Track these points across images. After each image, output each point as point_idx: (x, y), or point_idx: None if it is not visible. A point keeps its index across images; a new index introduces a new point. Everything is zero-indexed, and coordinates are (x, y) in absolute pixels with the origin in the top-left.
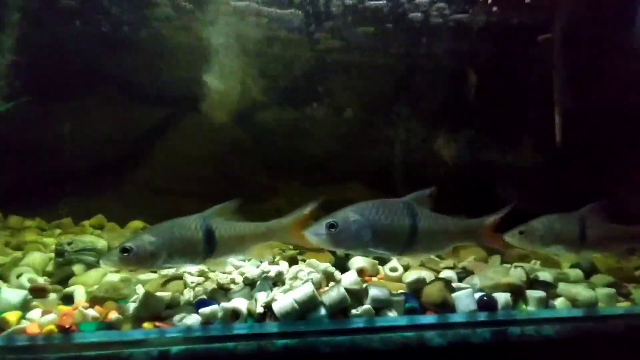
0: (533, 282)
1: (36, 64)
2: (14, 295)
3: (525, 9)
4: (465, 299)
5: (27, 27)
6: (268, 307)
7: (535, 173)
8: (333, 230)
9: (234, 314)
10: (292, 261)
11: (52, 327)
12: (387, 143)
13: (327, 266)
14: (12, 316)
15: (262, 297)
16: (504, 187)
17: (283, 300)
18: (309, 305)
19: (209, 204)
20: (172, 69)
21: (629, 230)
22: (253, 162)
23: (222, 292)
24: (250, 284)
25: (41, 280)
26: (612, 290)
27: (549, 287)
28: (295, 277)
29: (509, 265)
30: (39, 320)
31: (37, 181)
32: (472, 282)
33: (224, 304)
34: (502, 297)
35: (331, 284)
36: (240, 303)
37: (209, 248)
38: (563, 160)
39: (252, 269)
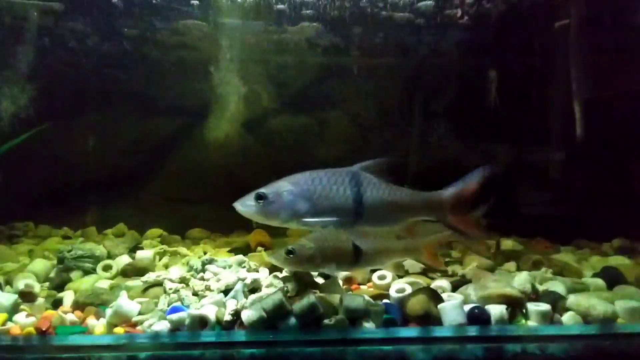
0: (539, 293)
1: (58, 83)
2: (5, 298)
3: None
4: (452, 311)
5: (49, 47)
6: (237, 315)
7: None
8: (261, 202)
9: (202, 322)
10: (274, 269)
11: (30, 329)
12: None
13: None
14: None
15: (231, 305)
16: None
17: (251, 309)
18: (277, 314)
19: (221, 211)
20: (184, 82)
21: (401, 244)
22: (263, 169)
23: (198, 299)
24: (226, 291)
25: (38, 286)
26: (636, 304)
27: (558, 300)
28: (271, 285)
29: (515, 273)
30: (22, 322)
31: (64, 193)
32: (466, 293)
33: (191, 311)
34: (496, 310)
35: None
36: (209, 310)
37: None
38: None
39: (228, 276)
